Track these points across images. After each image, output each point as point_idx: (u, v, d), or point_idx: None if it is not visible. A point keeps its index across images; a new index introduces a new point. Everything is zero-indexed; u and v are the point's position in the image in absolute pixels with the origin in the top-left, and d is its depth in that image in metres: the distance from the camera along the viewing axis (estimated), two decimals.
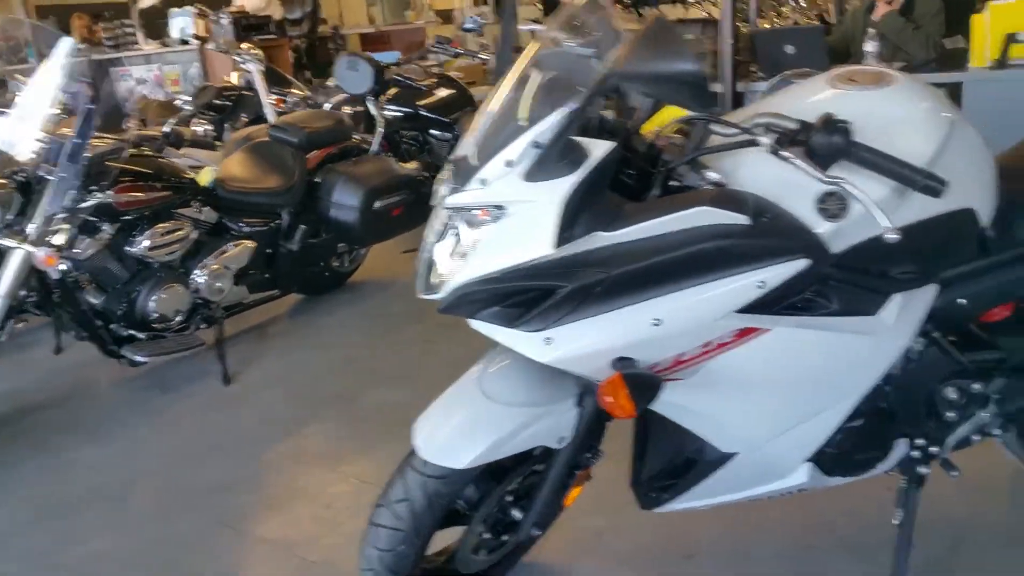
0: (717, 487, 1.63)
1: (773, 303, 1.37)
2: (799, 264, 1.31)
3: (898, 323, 1.48)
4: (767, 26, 6.74)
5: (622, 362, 1.33)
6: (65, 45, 2.72)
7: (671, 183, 1.39)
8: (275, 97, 5.12)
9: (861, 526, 1.97)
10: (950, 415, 1.67)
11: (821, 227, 1.34)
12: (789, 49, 4.26)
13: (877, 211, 1.25)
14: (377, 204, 3.59)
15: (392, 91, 4.60)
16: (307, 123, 3.69)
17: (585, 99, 1.24)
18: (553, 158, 1.24)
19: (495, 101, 1.42)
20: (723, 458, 1.58)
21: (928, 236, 1.47)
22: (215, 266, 3.26)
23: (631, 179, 1.40)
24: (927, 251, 1.49)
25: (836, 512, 2.02)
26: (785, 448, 1.57)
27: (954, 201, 1.47)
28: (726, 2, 3.98)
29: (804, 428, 1.54)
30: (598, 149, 1.26)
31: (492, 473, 1.62)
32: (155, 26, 7.59)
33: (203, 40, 5.79)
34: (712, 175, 1.36)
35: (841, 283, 1.41)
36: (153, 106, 5.88)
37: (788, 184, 1.32)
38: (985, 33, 3.80)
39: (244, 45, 5.26)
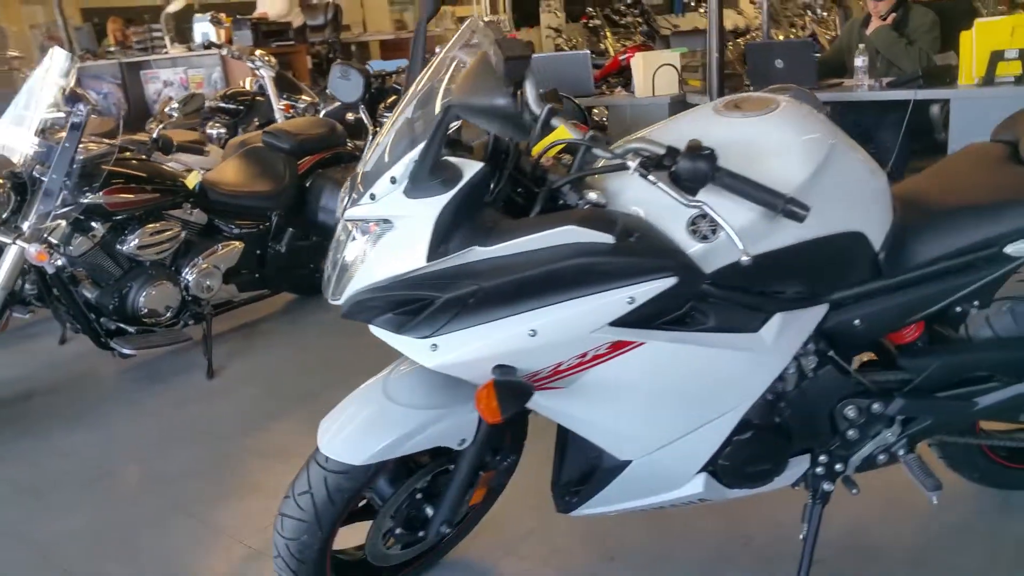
0: (619, 494, 1.71)
1: (652, 317, 1.45)
2: (667, 282, 1.39)
3: (780, 341, 1.55)
4: (781, 38, 6.78)
5: (502, 369, 1.42)
6: (59, 57, 2.88)
7: (560, 202, 1.48)
8: (285, 103, 5.30)
9: (780, 538, 2.03)
10: (851, 433, 1.73)
11: (692, 247, 1.42)
12: (779, 63, 4.31)
13: (734, 234, 1.33)
14: None
15: (391, 99, 4.73)
16: (300, 130, 3.83)
17: (434, 129, 1.32)
18: (426, 177, 1.34)
19: (396, 118, 1.52)
20: (620, 466, 1.66)
21: (813, 258, 1.53)
22: (204, 265, 3.41)
23: (521, 198, 1.49)
24: (813, 272, 1.56)
25: (757, 523, 2.08)
26: (676, 458, 1.64)
27: (840, 224, 1.54)
28: (712, 16, 4.02)
29: (691, 439, 1.61)
30: (469, 170, 1.35)
31: (410, 470, 1.72)
32: (183, 31, 7.86)
33: (220, 46, 5.97)
34: (592, 196, 1.45)
35: (721, 301, 1.49)
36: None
37: (663, 206, 1.40)
38: (972, 50, 3.81)
39: (258, 52, 5.43)
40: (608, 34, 9.58)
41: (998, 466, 2.03)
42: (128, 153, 3.14)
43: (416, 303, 1.40)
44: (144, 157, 3.19)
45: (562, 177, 1.46)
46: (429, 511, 1.75)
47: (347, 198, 1.49)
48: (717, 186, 1.34)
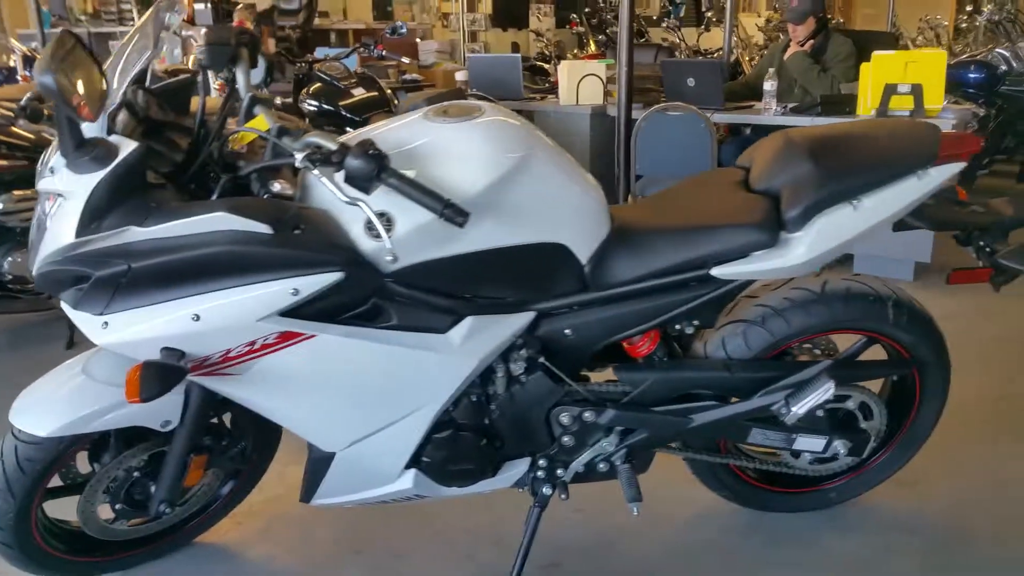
0: (339, 486, 1.73)
1: (332, 311, 1.47)
2: (332, 276, 1.40)
3: (470, 344, 1.56)
4: (747, 59, 6.76)
5: (169, 352, 1.44)
6: None
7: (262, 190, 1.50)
8: (220, 82, 5.33)
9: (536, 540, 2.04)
10: (567, 440, 1.75)
11: (367, 245, 1.43)
12: (691, 81, 4.32)
13: (384, 233, 1.35)
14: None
15: (316, 86, 4.75)
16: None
17: (61, 104, 1.29)
18: (78, 154, 1.36)
19: None
20: (327, 458, 1.67)
21: (509, 265, 1.55)
22: None
23: (214, 183, 1.51)
24: (511, 279, 1.57)
25: (517, 524, 2.09)
26: (378, 453, 1.66)
27: (538, 235, 1.55)
28: (623, 30, 4.03)
29: (387, 435, 1.62)
30: (125, 149, 1.37)
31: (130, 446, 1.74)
32: (151, 3, 7.89)
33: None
34: (276, 186, 1.47)
35: (407, 300, 1.51)
36: None
37: (366, 202, 1.40)
38: (868, 82, 3.82)
39: (203, 31, 5.46)
40: (591, 41, 9.60)
41: (748, 486, 2.03)
42: None
43: (85, 280, 1.41)
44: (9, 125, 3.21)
45: (248, 164, 1.48)
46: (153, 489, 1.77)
47: (43, 169, 1.51)
48: (385, 186, 1.36)
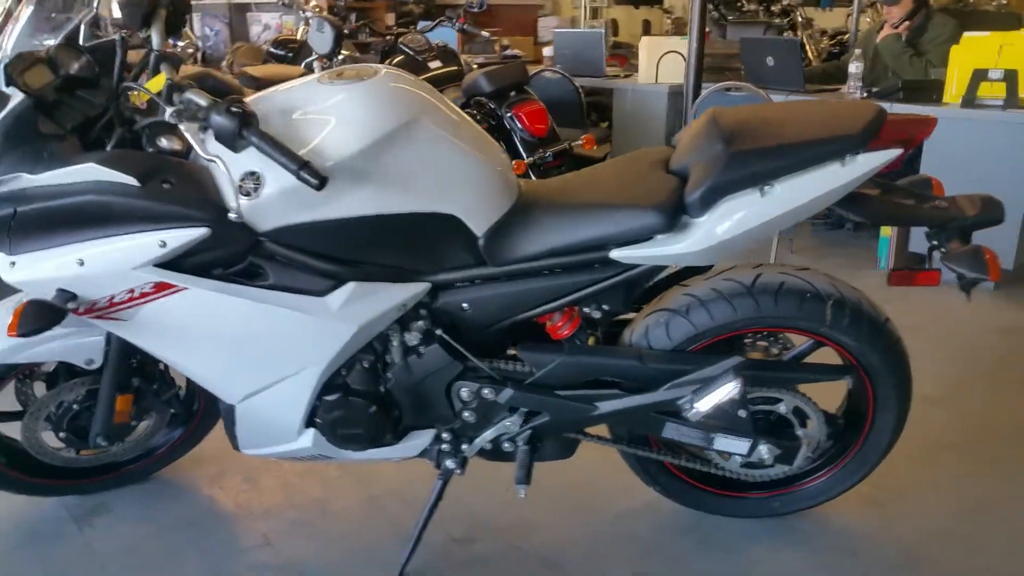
0: (252, 438, 1.79)
1: (211, 266, 1.52)
2: (198, 232, 1.45)
3: (348, 310, 1.57)
4: None
5: (63, 294, 1.53)
6: None
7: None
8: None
9: (474, 522, 2.03)
10: (467, 415, 1.73)
11: (236, 202, 1.46)
12: (770, 60, 4.09)
13: (231, 191, 1.38)
14: None
15: (398, 58, 4.85)
16: (270, 76, 4.03)
17: None
18: None
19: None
20: (230, 409, 1.74)
21: (395, 233, 1.54)
22: None
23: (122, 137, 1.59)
24: (399, 248, 1.57)
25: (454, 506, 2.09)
26: (273, 409, 1.69)
27: (425, 204, 1.53)
28: (695, 4, 3.86)
29: (276, 392, 1.66)
30: (12, 101, 1.46)
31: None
32: None
33: None
34: (163, 142, 1.53)
35: (285, 261, 1.53)
36: (242, 50, 6.53)
37: (227, 161, 1.44)
38: (955, 67, 3.47)
39: (313, 3, 5.70)
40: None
41: (680, 482, 1.92)
42: None
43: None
44: None
45: (145, 119, 1.54)
46: None
47: None
48: (252, 144, 1.38)
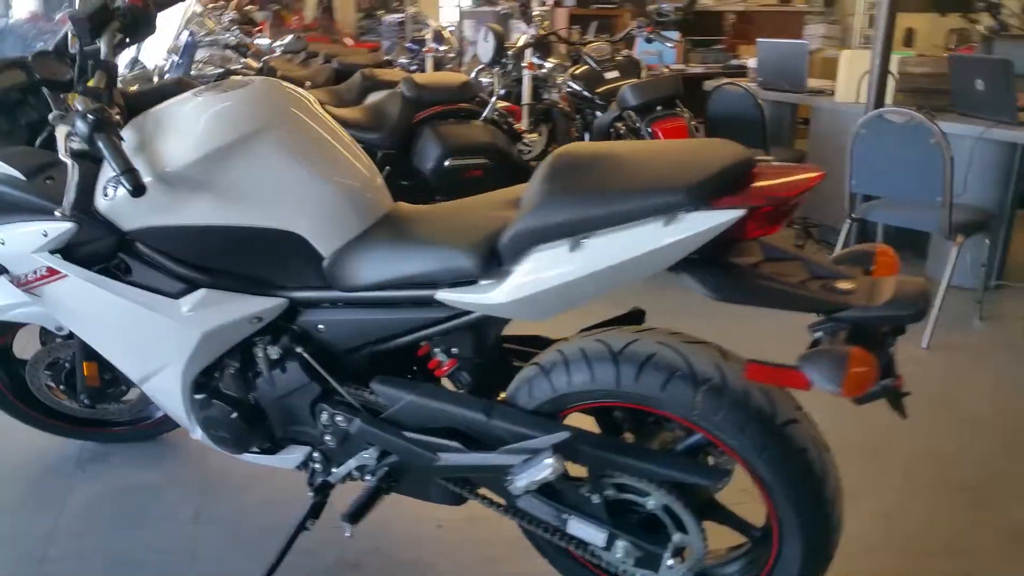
0: (172, 420, 1.92)
1: (93, 258, 1.64)
2: (67, 225, 1.57)
3: (199, 315, 1.60)
4: None
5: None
6: None
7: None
8: (530, 61, 5.64)
9: (412, 538, 1.99)
10: (328, 439, 1.69)
11: (101, 202, 1.56)
12: (979, 84, 3.42)
13: (72, 193, 1.47)
14: (448, 162, 3.99)
15: (580, 68, 4.78)
16: (430, 82, 4.20)
17: None
18: None
19: None
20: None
21: (240, 246, 1.56)
22: None
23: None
24: (246, 260, 1.58)
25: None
26: (160, 397, 1.78)
27: (267, 220, 1.53)
28: (881, 16, 3.32)
29: (156, 384, 1.74)
30: None
31: None
32: None
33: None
34: (75, 143, 1.66)
35: (146, 260, 1.61)
36: None
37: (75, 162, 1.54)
38: None
39: (537, 12, 5.83)
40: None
41: (571, 561, 1.69)
42: None
43: None
44: None
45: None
46: None
47: None
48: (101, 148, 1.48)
